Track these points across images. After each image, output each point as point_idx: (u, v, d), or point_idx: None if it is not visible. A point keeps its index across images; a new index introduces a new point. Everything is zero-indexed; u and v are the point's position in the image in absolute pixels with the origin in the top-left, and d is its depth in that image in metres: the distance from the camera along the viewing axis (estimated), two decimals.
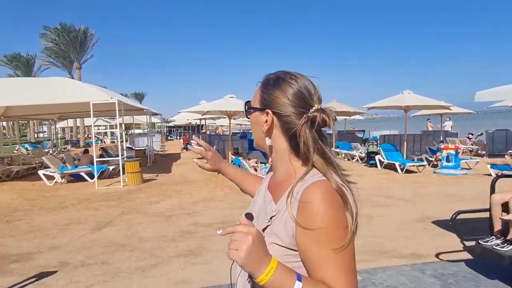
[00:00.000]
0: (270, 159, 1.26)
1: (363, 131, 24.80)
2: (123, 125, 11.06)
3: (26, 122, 41.11)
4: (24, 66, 45.23)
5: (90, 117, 10.12)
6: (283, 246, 0.89)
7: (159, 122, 35.98)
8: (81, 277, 3.92)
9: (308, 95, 0.96)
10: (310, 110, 0.94)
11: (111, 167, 11.51)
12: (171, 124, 44.72)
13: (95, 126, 38.84)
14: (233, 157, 11.16)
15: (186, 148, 25.40)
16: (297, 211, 0.87)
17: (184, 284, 3.69)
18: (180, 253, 4.57)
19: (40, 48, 39.71)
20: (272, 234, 0.92)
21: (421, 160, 11.77)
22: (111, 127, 32.08)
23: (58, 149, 22.84)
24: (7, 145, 19.27)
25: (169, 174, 12.26)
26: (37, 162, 14.56)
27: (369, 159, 12.71)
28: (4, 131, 23.00)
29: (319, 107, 0.94)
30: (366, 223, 5.64)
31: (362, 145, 15.29)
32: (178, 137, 44.58)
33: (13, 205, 8.02)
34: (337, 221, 0.84)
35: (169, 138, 43.49)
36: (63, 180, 10.95)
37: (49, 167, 10.89)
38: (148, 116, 16.04)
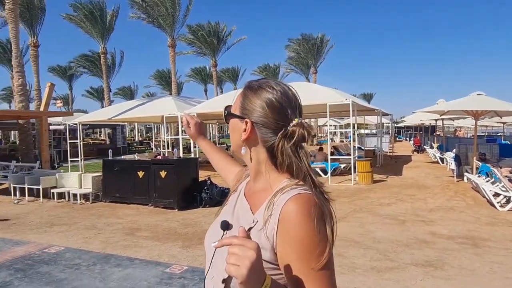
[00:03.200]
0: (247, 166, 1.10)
1: None
2: (355, 125, 11.36)
3: None
4: (271, 74, 53.23)
5: (326, 117, 10.87)
6: (263, 260, 0.78)
7: (388, 123, 35.11)
8: None
9: (288, 107, 0.93)
10: (290, 124, 0.91)
11: (342, 165, 12.05)
12: (400, 125, 42.79)
13: (326, 125, 41.76)
14: (479, 163, 9.61)
15: (417, 151, 23.72)
16: (278, 223, 0.84)
17: None
18: (417, 262, 4.31)
19: (283, 58, 45.92)
20: None
21: None
22: (341, 127, 33.60)
23: None
24: None
25: (399, 176, 11.76)
26: None
27: None
28: None
29: (299, 121, 0.91)
30: None
31: None
32: (407, 139, 42.19)
33: None
34: (318, 235, 0.81)
35: (397, 139, 41.78)
36: None
37: None
38: (379, 116, 15.88)
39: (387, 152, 21.44)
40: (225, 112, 1.05)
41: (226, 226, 0.90)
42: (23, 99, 13.79)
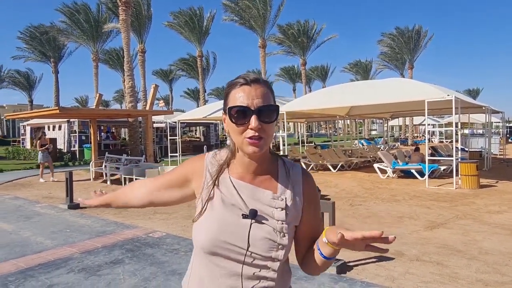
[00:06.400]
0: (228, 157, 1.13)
1: None
2: (459, 124, 10.34)
3: (361, 120, 46.49)
4: (363, 71, 51.23)
5: (424, 115, 10.08)
6: (294, 225, 1.08)
7: (498, 122, 31.14)
8: (417, 271, 4.00)
9: None
10: None
11: (442, 167, 11.07)
12: None
13: (422, 124, 38.67)
14: None
15: None
16: (303, 179, 1.10)
17: None
18: None
19: (376, 54, 43.82)
20: (292, 218, 1.06)
21: None
22: (440, 126, 30.86)
23: (388, 145, 24.44)
24: (349, 140, 22.56)
25: None
26: (371, 156, 16.20)
27: None
28: (348, 129, 27.08)
29: None
30: None
31: None
32: None
33: (354, 191, 9.30)
34: None
35: (510, 140, 36.85)
36: (394, 174, 11.58)
37: (383, 162, 11.81)
38: (487, 114, 14.20)
39: (496, 154, 19.06)
40: (277, 110, 1.04)
41: (254, 214, 1.01)
42: (132, 100, 15.45)
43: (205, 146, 22.42)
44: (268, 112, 1.00)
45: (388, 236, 0.84)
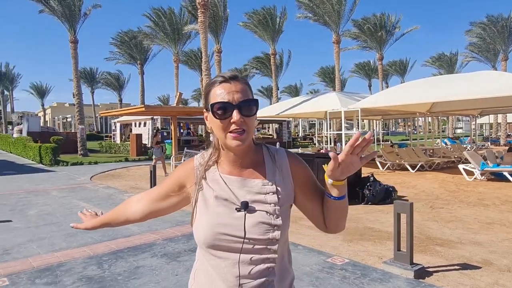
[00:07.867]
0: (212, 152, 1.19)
1: None
2: None
3: (445, 118, 43.09)
4: (447, 65, 47.33)
5: None
6: (289, 204, 1.16)
7: None
8: (508, 283, 3.63)
9: None
10: None
11: None
12: None
13: None
14: None
15: None
16: (288, 160, 1.17)
17: None
18: None
19: (463, 45, 40.07)
20: (284, 199, 1.12)
21: None
22: None
23: (476, 145, 22.33)
24: (430, 138, 21.09)
25: None
26: (455, 156, 14.98)
27: None
28: (430, 127, 25.32)
29: None
30: None
31: None
32: None
33: (435, 193, 8.69)
34: None
35: None
36: (483, 177, 10.56)
37: (469, 162, 10.85)
38: None
39: None
40: (256, 105, 1.09)
41: (246, 205, 1.07)
42: None
43: (277, 143, 22.62)
44: (248, 106, 1.06)
45: (365, 136, 0.95)
